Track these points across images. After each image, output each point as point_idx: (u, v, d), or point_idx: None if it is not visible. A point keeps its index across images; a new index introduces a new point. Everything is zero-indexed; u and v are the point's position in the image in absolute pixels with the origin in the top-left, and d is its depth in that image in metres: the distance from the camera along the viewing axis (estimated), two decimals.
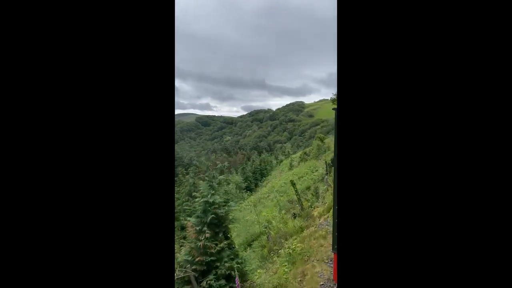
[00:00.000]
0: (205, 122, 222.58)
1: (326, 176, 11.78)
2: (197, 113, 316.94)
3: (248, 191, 25.81)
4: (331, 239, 1.76)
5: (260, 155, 45.94)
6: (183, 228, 12.65)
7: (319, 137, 35.62)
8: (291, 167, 27.52)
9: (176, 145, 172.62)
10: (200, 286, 4.43)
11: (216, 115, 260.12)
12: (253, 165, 31.66)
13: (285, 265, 5.14)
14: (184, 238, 10.53)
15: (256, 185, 29.01)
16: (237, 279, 3.82)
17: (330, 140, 31.89)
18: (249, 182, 28.05)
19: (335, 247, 1.69)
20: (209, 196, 5.27)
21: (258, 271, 5.65)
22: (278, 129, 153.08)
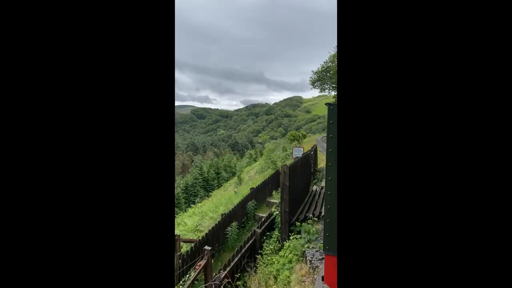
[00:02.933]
0: (201, 114, 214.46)
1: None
2: (196, 106, 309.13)
3: None
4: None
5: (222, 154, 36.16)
6: None
7: (293, 135, 24.75)
8: (239, 181, 17.69)
9: None
10: None
11: (214, 108, 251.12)
12: (193, 174, 22.25)
13: None
14: None
15: (186, 211, 19.44)
16: None
17: (307, 141, 22.07)
18: None
19: (327, 248, 1.71)
20: None
21: None
22: (273, 124, 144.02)
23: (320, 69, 25.16)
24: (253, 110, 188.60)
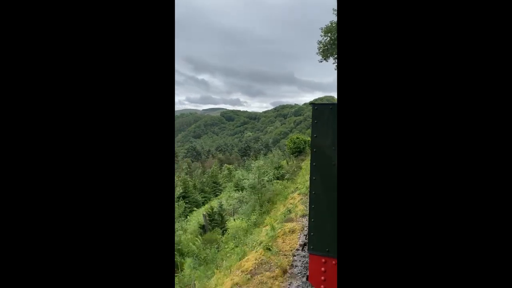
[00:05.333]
0: (230, 116, 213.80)
1: None
2: (227, 108, 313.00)
3: None
4: None
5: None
6: None
7: (294, 142, 17.53)
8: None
9: (199, 139, 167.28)
10: None
11: (243, 110, 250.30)
12: None
13: None
14: None
15: None
16: None
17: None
18: None
19: (311, 247, 1.74)
20: None
21: None
22: (301, 126, 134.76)
23: (331, 24, 16.59)
24: (281, 111, 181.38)
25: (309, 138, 22.91)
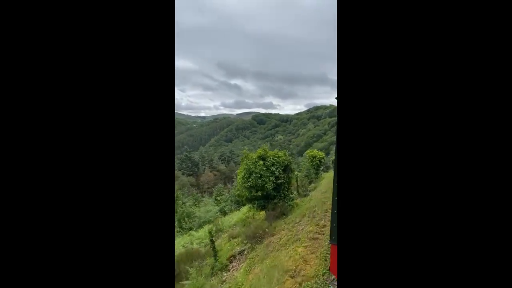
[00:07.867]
0: (261, 120, 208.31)
1: None
2: (261, 112, 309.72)
3: None
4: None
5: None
6: None
7: (248, 170, 7.87)
8: None
9: (230, 143, 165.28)
10: None
11: (274, 113, 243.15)
12: None
13: None
14: None
15: None
16: None
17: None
18: None
19: (333, 238, 1.75)
20: None
21: None
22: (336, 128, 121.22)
23: None
24: (314, 113, 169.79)
25: (321, 154, 14.69)
